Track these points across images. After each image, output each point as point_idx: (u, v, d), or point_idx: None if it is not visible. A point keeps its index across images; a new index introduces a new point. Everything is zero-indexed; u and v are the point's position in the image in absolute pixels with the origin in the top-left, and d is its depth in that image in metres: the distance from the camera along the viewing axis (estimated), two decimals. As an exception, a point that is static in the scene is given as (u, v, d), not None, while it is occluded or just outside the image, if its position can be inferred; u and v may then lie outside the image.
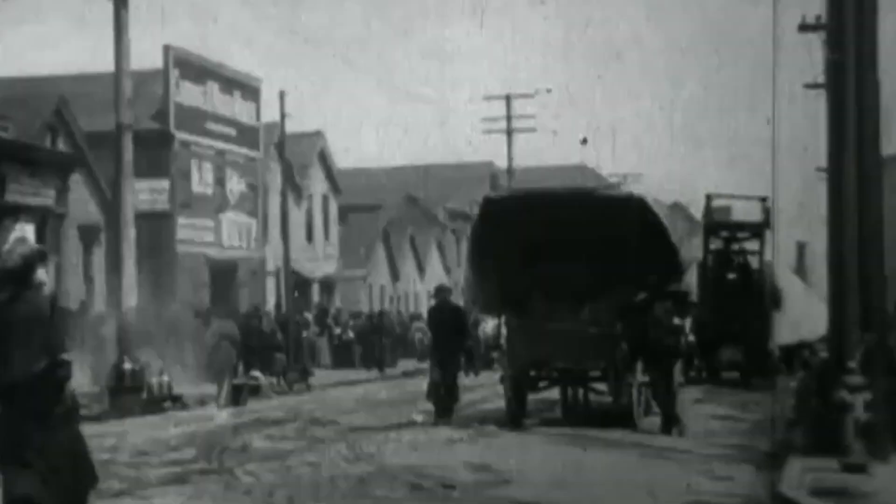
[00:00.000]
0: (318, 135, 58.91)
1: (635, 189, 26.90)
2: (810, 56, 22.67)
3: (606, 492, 15.28)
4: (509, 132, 60.98)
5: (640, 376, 22.38)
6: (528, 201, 24.07)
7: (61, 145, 38.75)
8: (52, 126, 38.49)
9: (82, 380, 16.35)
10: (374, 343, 46.53)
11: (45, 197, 35.10)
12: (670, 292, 23.24)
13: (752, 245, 36.87)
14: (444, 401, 23.37)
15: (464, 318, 25.58)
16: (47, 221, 35.50)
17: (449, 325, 24.00)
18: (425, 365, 44.92)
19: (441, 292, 25.35)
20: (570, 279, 22.63)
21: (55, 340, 10.69)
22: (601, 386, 23.23)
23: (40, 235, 34.70)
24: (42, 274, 11.06)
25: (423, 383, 25.14)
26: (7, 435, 10.50)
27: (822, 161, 21.91)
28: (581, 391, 23.81)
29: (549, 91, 63.75)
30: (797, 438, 19.12)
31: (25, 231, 33.59)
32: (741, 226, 37.17)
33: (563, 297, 22.64)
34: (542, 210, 23.11)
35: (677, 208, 68.22)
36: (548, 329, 22.55)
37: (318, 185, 59.21)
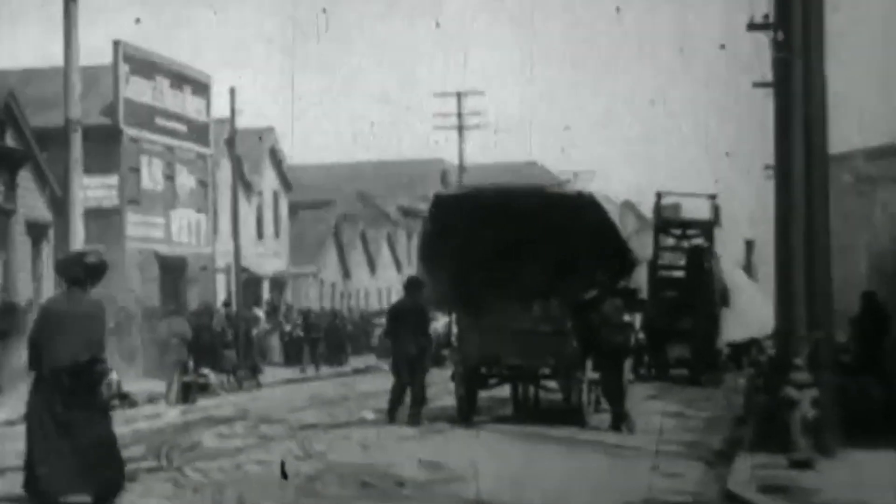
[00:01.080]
0: (268, 131, 58.70)
1: (586, 187, 26.95)
2: (759, 55, 22.82)
3: (557, 489, 15.31)
4: (460, 128, 61.07)
5: (590, 373, 22.43)
6: (478, 199, 24.06)
7: (9, 141, 38.45)
8: (-1, 121, 38.21)
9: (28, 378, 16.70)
10: (328, 340, 46.55)
11: (-7, 193, 34.87)
12: (620, 289, 23.32)
13: (701, 242, 37.02)
14: (414, 405, 23.01)
15: (428, 318, 25.13)
16: (-5, 217, 35.27)
17: (414, 325, 23.29)
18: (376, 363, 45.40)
19: (413, 287, 23.73)
20: (520, 276, 22.68)
21: (98, 339, 13.00)
22: (552, 383, 23.28)
23: (-12, 232, 34.48)
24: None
25: (374, 381, 25.09)
26: (44, 418, 12.46)
27: (770, 159, 22.05)
28: (532, 388, 23.87)
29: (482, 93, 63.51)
30: (745, 435, 19.26)
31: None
32: (691, 223, 37.34)
33: (514, 294, 22.67)
34: (493, 207, 23.10)
35: (628, 206, 68.45)
36: (498, 326, 22.57)
37: (268, 181, 59.02)
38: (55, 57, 30.56)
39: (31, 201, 38.65)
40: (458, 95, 61.37)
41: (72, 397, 12.62)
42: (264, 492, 14.94)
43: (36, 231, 39.04)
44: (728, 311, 36.31)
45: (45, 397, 12.70)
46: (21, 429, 13.37)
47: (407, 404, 22.95)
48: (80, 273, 13.27)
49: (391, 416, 23.00)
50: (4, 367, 28.89)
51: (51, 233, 39.57)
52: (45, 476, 12.50)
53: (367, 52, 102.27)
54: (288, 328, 46.57)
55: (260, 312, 46.89)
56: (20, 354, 15.87)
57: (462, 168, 61.31)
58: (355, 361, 46.54)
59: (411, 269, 65.55)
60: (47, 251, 39.01)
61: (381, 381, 26.51)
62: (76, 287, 13.23)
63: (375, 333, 50.40)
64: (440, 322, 43.26)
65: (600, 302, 22.27)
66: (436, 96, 61.91)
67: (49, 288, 38.43)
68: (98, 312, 13.23)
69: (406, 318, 23.33)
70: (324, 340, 46.48)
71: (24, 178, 37.90)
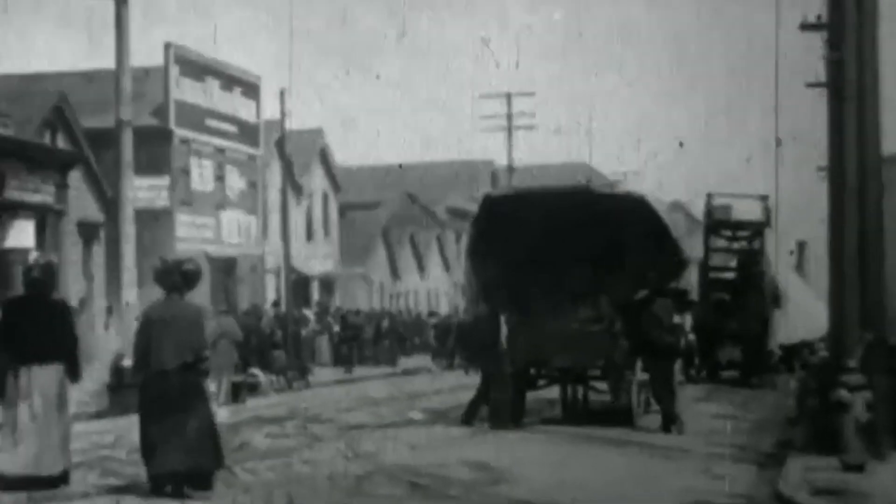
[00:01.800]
0: (318, 132, 58.83)
1: (635, 188, 26.82)
2: (811, 55, 22.65)
3: (605, 490, 15.24)
4: (510, 130, 60.98)
5: (640, 374, 22.34)
6: (528, 199, 24.00)
7: (61, 142, 38.70)
8: (51, 123, 38.44)
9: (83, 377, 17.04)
10: (375, 341, 46.61)
11: (45, 194, 35.07)
12: (670, 290, 23.21)
13: (752, 244, 36.79)
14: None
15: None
16: (47, 218, 35.47)
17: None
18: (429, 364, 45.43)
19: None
20: (569, 277, 22.59)
21: (199, 340, 14.52)
22: (601, 384, 23.20)
23: (40, 232, 34.67)
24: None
25: (423, 381, 25.04)
26: (154, 411, 14.05)
27: (823, 160, 21.89)
28: (581, 390, 23.78)
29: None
30: (797, 437, 19.11)
31: (25, 228, 33.57)
32: (742, 225, 37.11)
33: (563, 294, 22.59)
34: (542, 208, 23.04)
35: (678, 207, 68.21)
36: (547, 327, 22.50)
37: (318, 182, 59.16)
38: (106, 59, 30.70)
39: (82, 202, 38.90)
40: (508, 96, 61.25)
41: (179, 394, 14.14)
42: (313, 492, 14.94)
43: (87, 231, 39.28)
44: (779, 312, 36.08)
45: (154, 395, 14.22)
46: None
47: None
48: (179, 280, 14.62)
49: (470, 417, 22.83)
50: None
51: (101, 233, 39.80)
52: (161, 458, 14.10)
53: (418, 53, 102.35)
54: (336, 329, 46.62)
55: (309, 313, 46.95)
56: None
57: (511, 169, 61.21)
58: (408, 362, 46.54)
59: (459, 270, 65.63)
60: (98, 251, 39.25)
61: (430, 382, 26.56)
62: (174, 293, 14.61)
63: (431, 335, 50.57)
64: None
65: (650, 303, 22.18)
66: (483, 97, 61.84)
67: (100, 288, 38.69)
68: (197, 316, 14.79)
69: (484, 325, 23.35)
70: (371, 341, 46.52)
71: (76, 179, 38.13)
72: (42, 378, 14.54)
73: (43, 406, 14.50)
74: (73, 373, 14.91)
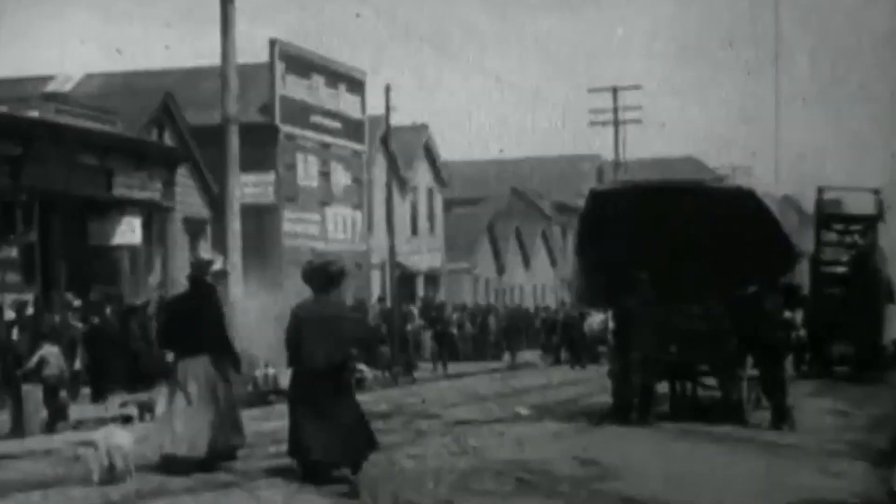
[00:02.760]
0: (422, 128, 58.84)
1: (744, 182, 26.48)
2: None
3: (716, 487, 14.96)
4: (616, 124, 60.60)
5: (750, 370, 21.98)
6: (635, 194, 23.73)
7: (168, 139, 39.07)
8: (158, 120, 38.82)
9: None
10: (479, 336, 46.55)
11: (152, 190, 35.43)
12: (781, 285, 22.82)
13: (865, 238, 36.17)
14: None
15: None
16: (154, 215, 35.82)
17: None
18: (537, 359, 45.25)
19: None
20: (678, 272, 22.26)
21: (347, 337, 15.71)
22: (710, 380, 22.88)
23: (147, 229, 35.00)
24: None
25: (529, 377, 24.86)
26: (306, 405, 15.04)
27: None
28: (690, 385, 23.46)
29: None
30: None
31: (132, 225, 33.89)
32: (854, 218, 36.51)
33: (672, 290, 22.27)
34: (650, 203, 22.77)
35: (788, 201, 67.43)
36: (656, 323, 22.21)
37: (422, 177, 59.17)
38: (212, 56, 30.91)
39: (189, 199, 39.26)
40: (614, 90, 60.87)
41: (328, 390, 15.18)
42: (419, 487, 14.82)
43: (193, 227, 39.63)
44: (893, 308, 35.46)
45: (305, 389, 15.24)
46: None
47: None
48: (325, 281, 15.65)
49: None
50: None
51: (208, 229, 40.13)
52: (315, 450, 15.05)
53: (523, 46, 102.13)
54: (439, 326, 46.55)
55: (414, 309, 46.95)
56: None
57: (618, 163, 60.83)
58: (514, 357, 46.41)
59: (566, 265, 65.37)
60: (205, 247, 39.56)
61: (536, 378, 26.36)
62: (322, 293, 15.62)
63: (539, 330, 50.58)
64: (596, 318, 42.98)
65: (761, 298, 21.81)
66: (591, 92, 61.49)
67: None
68: (345, 313, 16.23)
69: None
70: (472, 337, 46.44)
71: (183, 175, 38.49)
72: (197, 368, 16.05)
73: (197, 394, 15.99)
74: (234, 364, 16.59)
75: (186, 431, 15.82)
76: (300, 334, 15.26)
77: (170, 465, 15.69)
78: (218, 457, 16.01)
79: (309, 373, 15.21)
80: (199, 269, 16.97)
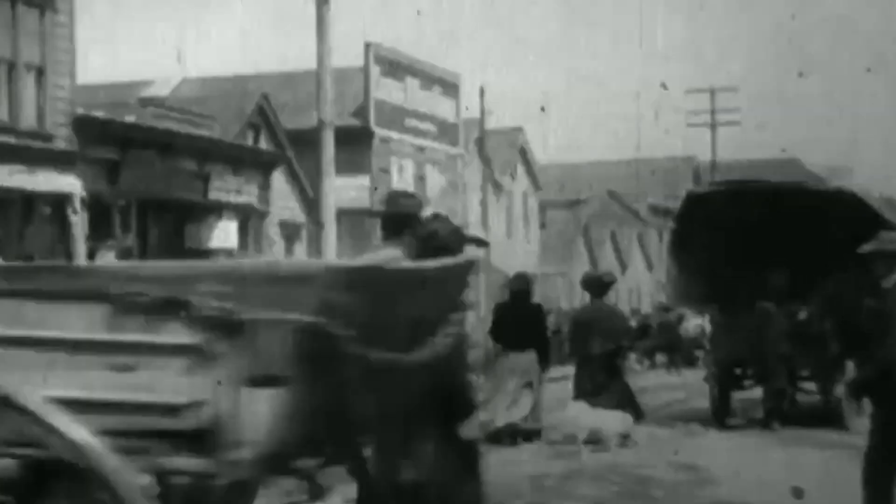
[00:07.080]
0: (518, 130, 58.75)
1: (844, 183, 26.04)
2: None
3: (814, 495, 14.68)
4: (713, 126, 60.14)
5: (851, 375, 21.59)
6: (732, 195, 23.38)
7: (263, 143, 39.29)
8: (254, 124, 39.06)
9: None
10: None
11: (248, 194, 35.65)
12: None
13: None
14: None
15: None
16: (250, 218, 36.03)
17: None
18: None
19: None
20: (776, 275, 21.96)
21: (619, 331, 20.47)
22: (809, 385, 22.55)
23: (243, 232, 35.21)
24: None
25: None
26: (590, 384, 19.75)
27: None
28: (790, 390, 23.12)
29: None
30: None
31: (228, 229, 34.11)
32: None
33: (770, 293, 21.97)
34: (747, 204, 22.43)
35: (889, 202, 66.49)
36: (753, 326, 21.92)
37: (518, 181, 59.06)
38: (308, 59, 30.98)
39: (284, 202, 39.43)
40: (711, 92, 60.43)
41: (605, 372, 19.58)
42: (513, 491, 14.70)
43: (289, 231, 39.83)
44: None
45: (588, 372, 19.70)
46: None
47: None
48: (600, 288, 20.51)
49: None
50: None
51: (303, 233, 40.30)
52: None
53: (617, 47, 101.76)
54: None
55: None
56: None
57: (714, 165, 60.34)
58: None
59: (661, 267, 64.95)
60: (300, 251, 39.75)
61: (632, 381, 25.98)
62: (597, 298, 20.47)
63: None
64: (691, 322, 42.62)
65: (863, 302, 21.42)
66: (688, 93, 61.07)
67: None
68: (616, 313, 21.54)
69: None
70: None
71: (278, 179, 38.68)
72: (519, 361, 19.37)
73: (517, 382, 19.30)
74: (545, 359, 19.74)
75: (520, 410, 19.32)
76: (580, 331, 20.35)
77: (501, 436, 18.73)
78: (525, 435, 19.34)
79: (588, 360, 19.73)
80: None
